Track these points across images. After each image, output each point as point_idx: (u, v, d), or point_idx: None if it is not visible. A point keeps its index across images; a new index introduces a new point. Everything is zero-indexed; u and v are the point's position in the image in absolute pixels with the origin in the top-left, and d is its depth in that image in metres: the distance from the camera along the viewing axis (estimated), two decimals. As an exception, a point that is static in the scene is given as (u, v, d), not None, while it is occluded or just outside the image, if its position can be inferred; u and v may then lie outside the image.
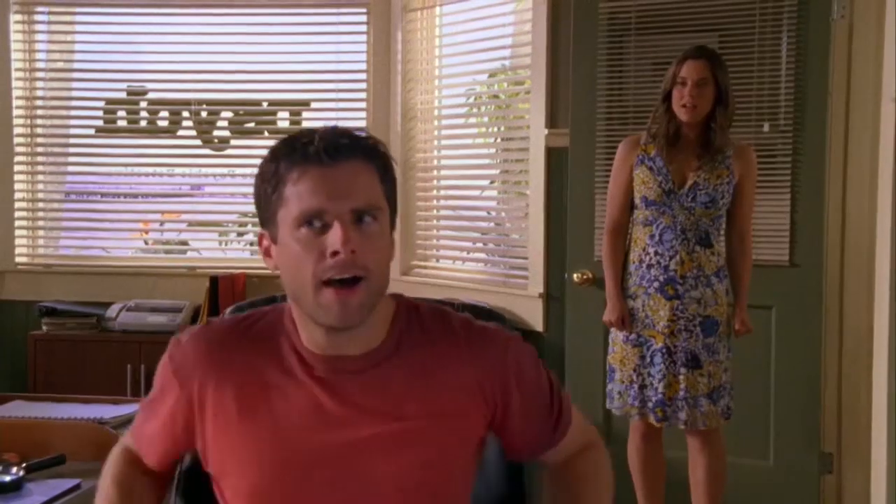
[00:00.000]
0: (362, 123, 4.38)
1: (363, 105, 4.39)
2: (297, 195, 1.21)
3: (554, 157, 3.73)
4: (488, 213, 4.45)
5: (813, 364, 3.37)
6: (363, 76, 4.38)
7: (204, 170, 4.66)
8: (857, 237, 3.34)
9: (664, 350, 2.93)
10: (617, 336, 3.05)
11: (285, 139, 1.26)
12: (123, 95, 4.57)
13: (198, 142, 4.58)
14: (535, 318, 3.77)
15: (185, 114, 4.51)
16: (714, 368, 2.94)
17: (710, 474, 3.02)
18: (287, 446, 1.26)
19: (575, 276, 3.50)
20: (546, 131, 3.74)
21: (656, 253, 2.95)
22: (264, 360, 1.29)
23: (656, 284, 2.95)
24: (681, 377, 2.93)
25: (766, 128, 3.38)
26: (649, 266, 2.97)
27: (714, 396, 2.94)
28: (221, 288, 4.09)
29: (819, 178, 3.35)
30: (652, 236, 2.97)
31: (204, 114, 4.53)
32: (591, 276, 3.47)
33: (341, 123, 4.68)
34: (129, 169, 4.69)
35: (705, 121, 2.93)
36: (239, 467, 1.28)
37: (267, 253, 1.29)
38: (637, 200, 3.01)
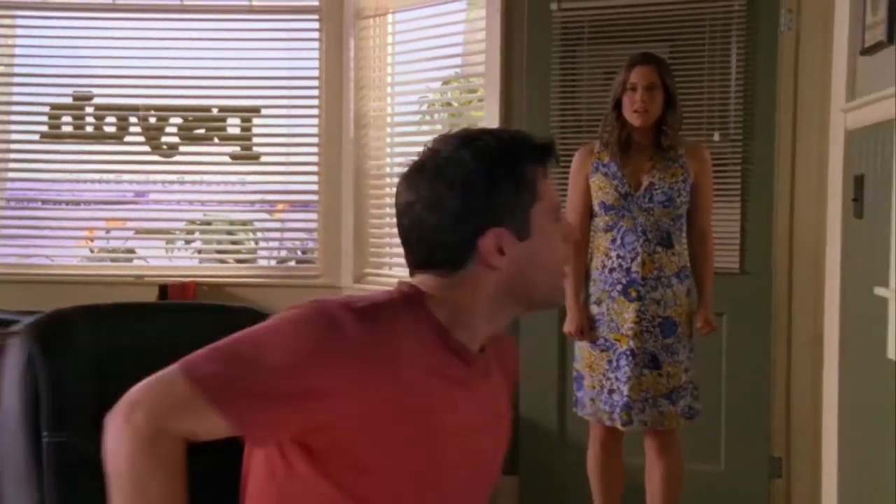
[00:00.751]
0: (314, 130, 4.36)
1: (315, 112, 4.36)
2: (549, 191, 1.33)
3: (508, 166, 3.74)
4: (441, 220, 4.44)
5: (762, 370, 3.43)
6: (315, 83, 4.35)
7: (152, 176, 4.58)
8: (805, 245, 3.42)
9: (629, 352, 2.96)
10: (584, 343, 3.06)
11: (524, 143, 1.32)
12: (69, 100, 4.48)
13: (146, 148, 4.50)
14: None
15: (133, 119, 4.44)
16: (673, 369, 2.97)
17: (667, 479, 3.06)
18: (445, 455, 1.28)
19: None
20: (500, 139, 3.75)
21: (618, 256, 2.98)
22: (428, 360, 1.25)
23: (619, 287, 2.98)
24: (642, 378, 2.96)
25: (716, 137, 3.43)
26: (612, 270, 3.00)
27: (673, 397, 2.97)
28: (171, 296, 4.02)
29: (768, 186, 3.41)
30: (613, 240, 3.00)
31: (152, 119, 4.45)
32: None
33: (292, 130, 4.60)
34: (75, 175, 4.59)
35: (656, 124, 2.98)
36: (385, 469, 1.22)
37: (500, 251, 1.28)
38: (596, 207, 3.04)
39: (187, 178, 4.55)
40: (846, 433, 2.76)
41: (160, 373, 1.16)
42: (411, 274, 1.34)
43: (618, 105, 2.99)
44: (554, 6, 3.57)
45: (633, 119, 2.95)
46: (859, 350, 2.62)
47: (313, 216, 4.43)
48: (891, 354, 2.26)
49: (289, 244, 4.75)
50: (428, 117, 4.52)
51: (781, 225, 3.44)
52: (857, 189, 2.60)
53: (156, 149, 4.49)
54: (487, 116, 3.84)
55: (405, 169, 1.33)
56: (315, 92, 4.35)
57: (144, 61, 4.38)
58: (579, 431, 3.29)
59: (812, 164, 3.37)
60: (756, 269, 3.42)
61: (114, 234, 4.78)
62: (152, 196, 4.62)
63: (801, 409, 3.43)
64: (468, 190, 1.26)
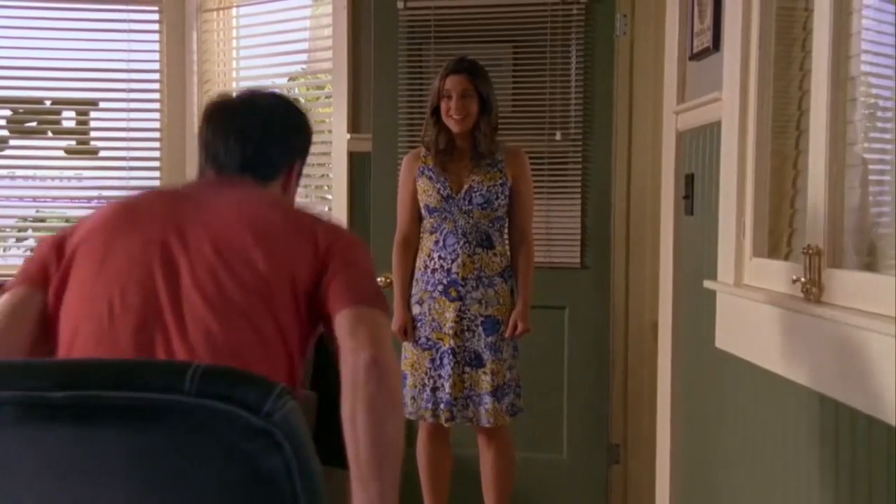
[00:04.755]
0: (156, 125, 4.24)
1: (156, 105, 4.24)
2: None
3: (357, 162, 3.75)
4: (288, 217, 4.41)
5: (601, 361, 3.57)
6: (156, 76, 4.23)
7: (-21, 171, 4.34)
8: (641, 240, 3.58)
9: (451, 351, 3.04)
10: (407, 342, 3.13)
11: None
12: None
13: (-29, 141, 4.26)
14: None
15: (-43, 111, 4.19)
16: (497, 367, 3.05)
17: (498, 470, 3.16)
18: None
19: (378, 280, 3.53)
20: (348, 136, 3.76)
21: (440, 257, 3.07)
22: None
23: (440, 288, 3.06)
24: (465, 376, 3.04)
25: (558, 136, 3.54)
26: (434, 270, 3.08)
27: (498, 394, 3.05)
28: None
29: (606, 184, 3.55)
30: (437, 242, 3.09)
31: (-22, 111, 4.22)
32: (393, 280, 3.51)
33: (133, 125, 4.46)
34: None
35: (474, 130, 3.07)
36: None
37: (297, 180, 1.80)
38: (422, 210, 3.13)
39: (18, 172, 4.34)
40: (678, 419, 2.91)
41: (373, 322, 1.46)
42: (223, 172, 1.64)
43: (436, 111, 3.08)
44: (400, 4, 3.60)
45: (451, 125, 3.06)
46: (690, 340, 2.77)
47: (155, 212, 4.29)
48: (718, 343, 2.40)
49: (129, 242, 4.59)
50: (274, 113, 4.46)
51: (619, 221, 3.59)
52: (688, 187, 2.75)
53: (-18, 142, 4.26)
54: (336, 113, 3.83)
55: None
56: (156, 85, 4.23)
57: (-30, 49, 4.14)
58: (427, 425, 3.32)
59: (647, 163, 3.53)
60: (595, 263, 3.55)
61: (-63, 231, 4.49)
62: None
63: (638, 398, 3.59)
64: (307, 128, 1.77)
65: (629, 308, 3.63)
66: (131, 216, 1.55)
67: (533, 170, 3.32)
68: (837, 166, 1.89)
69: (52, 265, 1.54)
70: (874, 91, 2.27)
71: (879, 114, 2.39)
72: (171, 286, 1.43)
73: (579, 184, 3.55)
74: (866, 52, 2.05)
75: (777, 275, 2.09)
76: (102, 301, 1.44)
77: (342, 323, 1.45)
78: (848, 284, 1.77)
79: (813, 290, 1.85)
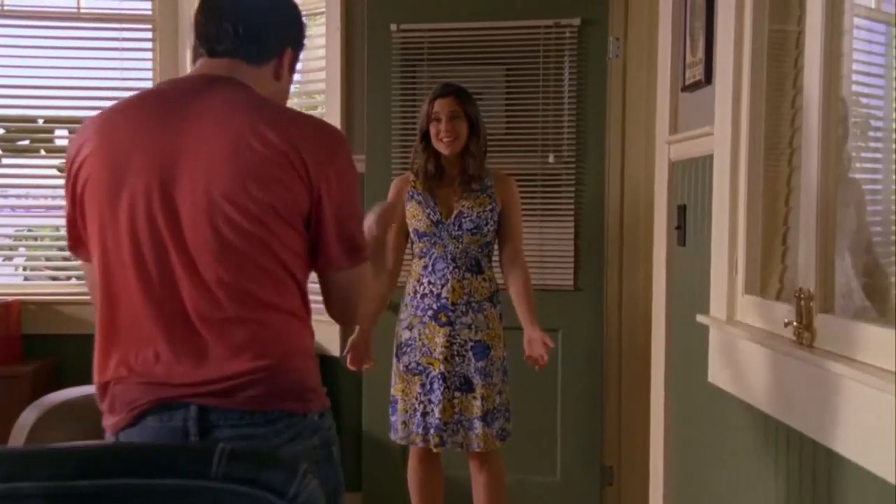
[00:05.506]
0: (148, 143, 4.22)
1: (149, 124, 4.22)
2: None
3: (349, 184, 3.74)
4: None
5: (595, 382, 3.57)
6: (149, 94, 4.21)
7: (-29, 189, 4.32)
8: (634, 262, 3.58)
9: (441, 376, 3.03)
10: (398, 367, 3.13)
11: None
12: None
13: (-36, 159, 4.24)
14: (332, 343, 3.78)
15: (-51, 130, 4.18)
16: (487, 391, 3.05)
17: (490, 493, 3.16)
18: None
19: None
20: (341, 157, 3.75)
21: (429, 282, 3.07)
22: None
23: (430, 313, 3.06)
24: (455, 401, 3.04)
25: (551, 159, 3.55)
26: (423, 296, 3.08)
27: (488, 419, 3.05)
28: (-6, 318, 3.81)
29: (599, 206, 3.55)
30: (426, 267, 3.08)
31: (-30, 130, 4.20)
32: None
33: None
34: None
35: (463, 153, 3.07)
36: None
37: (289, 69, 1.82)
38: (412, 234, 3.13)
39: (11, 191, 4.33)
40: (671, 442, 2.92)
41: (352, 287, 1.71)
42: (215, 55, 1.67)
43: (425, 136, 3.07)
44: (393, 27, 3.60)
45: (441, 148, 3.05)
46: (683, 370, 2.77)
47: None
48: (711, 379, 2.41)
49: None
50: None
51: (612, 243, 3.60)
52: (681, 218, 2.75)
53: (-26, 160, 4.25)
54: (328, 134, 3.83)
55: None
56: (149, 103, 4.21)
57: (-38, 69, 4.13)
58: (421, 449, 3.33)
59: (640, 185, 3.54)
60: (589, 285, 3.56)
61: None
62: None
63: (632, 420, 3.60)
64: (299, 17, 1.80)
65: (622, 330, 3.63)
66: (127, 145, 1.60)
67: (526, 192, 3.32)
68: (829, 204, 1.89)
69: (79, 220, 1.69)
70: (864, 111, 2.29)
71: (871, 133, 2.41)
72: (177, 237, 1.56)
73: (572, 206, 3.56)
74: (857, 92, 2.06)
75: (769, 315, 2.10)
76: (121, 251, 1.59)
77: (326, 285, 1.70)
78: (839, 332, 1.77)
79: (805, 334, 1.85)
